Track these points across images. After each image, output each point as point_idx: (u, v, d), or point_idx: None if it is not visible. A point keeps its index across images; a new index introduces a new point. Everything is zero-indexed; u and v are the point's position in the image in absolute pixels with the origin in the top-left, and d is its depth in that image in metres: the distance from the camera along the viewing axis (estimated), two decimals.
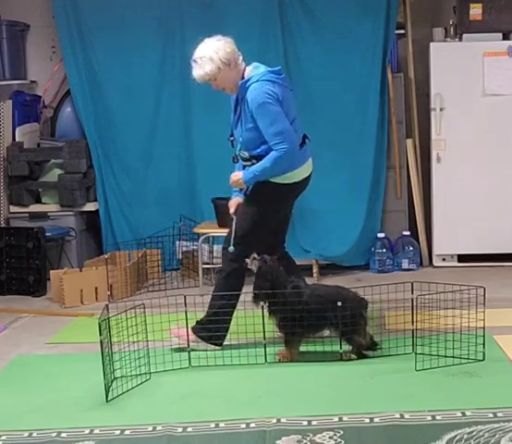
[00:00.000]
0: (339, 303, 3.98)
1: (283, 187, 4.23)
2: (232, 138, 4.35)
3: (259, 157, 4.18)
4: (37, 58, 6.71)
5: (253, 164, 4.21)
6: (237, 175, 4.21)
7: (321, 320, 4.04)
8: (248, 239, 4.24)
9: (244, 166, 4.30)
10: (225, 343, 4.30)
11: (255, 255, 4.14)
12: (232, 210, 4.38)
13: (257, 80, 4.12)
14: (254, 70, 4.20)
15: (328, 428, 3.20)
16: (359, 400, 3.53)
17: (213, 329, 4.23)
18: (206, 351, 4.20)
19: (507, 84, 5.94)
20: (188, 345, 4.12)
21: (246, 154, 4.25)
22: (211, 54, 4.12)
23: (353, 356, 4.06)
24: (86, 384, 3.83)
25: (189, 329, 4.19)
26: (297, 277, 4.40)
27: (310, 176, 4.37)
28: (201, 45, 4.20)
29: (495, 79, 5.95)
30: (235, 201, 4.39)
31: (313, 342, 4.21)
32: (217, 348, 4.25)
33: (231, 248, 4.22)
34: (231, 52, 4.16)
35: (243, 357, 4.09)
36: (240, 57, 4.23)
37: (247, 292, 4.19)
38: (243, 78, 4.18)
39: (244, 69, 4.21)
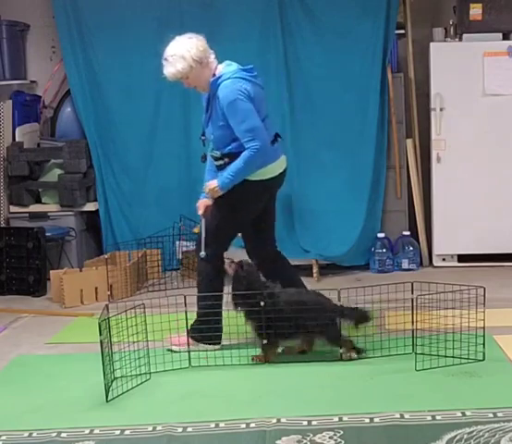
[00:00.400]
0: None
1: (254, 184, 4.20)
2: (203, 137, 4.34)
3: (230, 155, 4.16)
4: (37, 58, 6.71)
5: (225, 162, 4.19)
6: (212, 183, 4.18)
7: (293, 327, 4.03)
8: (219, 239, 4.22)
9: (217, 167, 4.28)
10: (224, 343, 4.30)
11: (232, 259, 4.13)
12: (200, 212, 4.37)
13: (228, 78, 4.11)
14: (226, 68, 4.19)
15: (328, 428, 3.20)
16: (359, 400, 3.53)
17: (205, 330, 4.21)
18: (206, 351, 4.19)
19: (507, 84, 5.94)
20: (188, 347, 4.13)
21: (217, 154, 4.23)
22: (182, 52, 4.10)
23: (354, 356, 4.05)
24: (86, 384, 3.83)
25: (190, 338, 4.20)
26: (292, 278, 4.42)
27: (283, 173, 4.35)
28: (172, 43, 4.18)
29: (495, 79, 5.95)
30: (202, 202, 4.37)
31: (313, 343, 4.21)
32: (217, 347, 4.25)
33: (202, 253, 4.22)
34: (203, 50, 4.15)
35: (243, 357, 4.09)
36: (212, 56, 4.21)
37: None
38: (214, 76, 4.17)
39: (216, 68, 4.20)
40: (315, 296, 4.14)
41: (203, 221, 4.31)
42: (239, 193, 4.19)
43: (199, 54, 4.12)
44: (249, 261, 4.23)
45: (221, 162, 4.23)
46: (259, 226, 4.43)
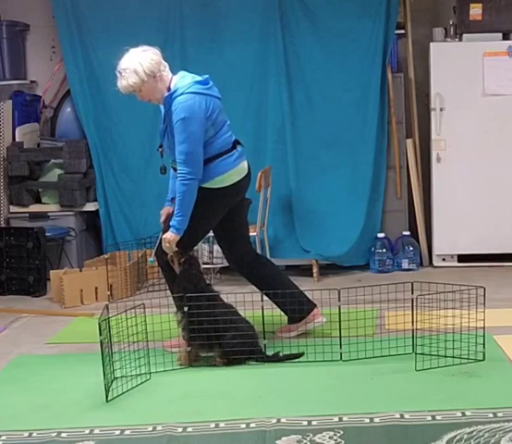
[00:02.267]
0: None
1: (213, 191, 4.18)
2: (161, 149, 4.31)
3: None
4: (37, 58, 6.71)
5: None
6: (166, 237, 4.11)
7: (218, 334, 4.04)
8: (178, 244, 4.15)
9: (177, 177, 4.24)
10: None
11: (176, 255, 4.11)
12: (162, 219, 4.37)
13: (182, 93, 4.06)
14: (180, 81, 4.13)
15: (328, 428, 3.20)
16: (359, 400, 3.53)
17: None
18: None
19: (507, 84, 5.94)
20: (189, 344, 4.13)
21: (177, 165, 4.20)
22: (135, 65, 4.08)
23: (219, 362, 4.06)
24: (86, 384, 3.83)
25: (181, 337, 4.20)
26: (278, 281, 4.40)
27: (244, 180, 4.30)
28: (125, 56, 4.15)
29: (495, 79, 5.95)
30: (165, 210, 4.39)
31: (313, 343, 4.21)
32: None
33: (150, 259, 4.20)
34: (156, 63, 4.10)
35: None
36: (166, 68, 4.17)
37: (242, 292, 4.20)
38: (169, 89, 4.12)
39: (170, 80, 4.16)
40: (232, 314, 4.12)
41: (163, 228, 4.30)
42: (200, 201, 4.16)
43: (151, 67, 4.08)
44: (196, 259, 4.18)
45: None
46: (231, 233, 4.42)
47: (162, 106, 4.22)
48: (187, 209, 4.08)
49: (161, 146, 4.32)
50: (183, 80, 4.14)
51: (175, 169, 4.22)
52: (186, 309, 4.00)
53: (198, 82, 4.12)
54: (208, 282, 4.25)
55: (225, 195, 4.25)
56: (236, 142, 4.28)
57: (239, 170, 4.27)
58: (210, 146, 4.13)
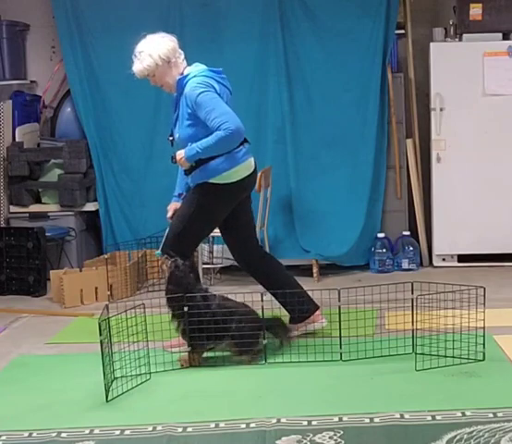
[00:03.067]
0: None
1: (220, 186, 4.20)
2: (171, 137, 4.33)
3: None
4: (37, 58, 6.71)
5: (192, 167, 4.19)
6: (180, 154, 4.17)
7: (220, 331, 4.02)
8: (185, 240, 4.20)
9: (184, 172, 4.28)
10: None
11: (169, 257, 4.10)
12: (169, 214, 4.39)
13: (194, 76, 4.12)
14: (194, 68, 4.21)
15: (328, 428, 3.20)
16: (359, 400, 3.53)
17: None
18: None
19: (507, 84, 5.95)
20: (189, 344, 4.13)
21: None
22: (150, 49, 4.15)
23: (244, 359, 4.07)
24: (86, 384, 3.83)
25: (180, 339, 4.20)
26: (282, 280, 4.40)
27: (250, 176, 4.32)
28: (142, 41, 4.22)
29: (495, 79, 5.95)
30: (173, 205, 4.42)
31: (313, 343, 4.21)
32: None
33: (157, 252, 4.22)
34: (171, 49, 4.18)
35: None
36: (182, 56, 4.24)
37: (242, 292, 4.20)
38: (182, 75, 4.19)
39: (184, 69, 4.22)
40: (239, 305, 4.12)
41: (170, 223, 4.34)
42: (206, 196, 4.20)
43: (166, 53, 4.15)
44: (183, 262, 4.15)
45: (188, 166, 4.22)
46: (237, 230, 4.43)
47: (173, 97, 4.25)
48: (207, 152, 4.08)
49: (171, 135, 4.32)
50: (197, 68, 4.21)
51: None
52: (179, 311, 3.99)
53: (212, 70, 4.19)
54: (201, 286, 4.21)
55: (232, 191, 4.26)
56: (243, 139, 4.29)
57: (247, 166, 4.28)
58: None
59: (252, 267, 4.48)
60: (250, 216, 4.52)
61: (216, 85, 4.12)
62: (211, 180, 4.18)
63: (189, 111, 4.11)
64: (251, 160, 4.33)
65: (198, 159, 4.14)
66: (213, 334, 4.00)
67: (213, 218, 4.30)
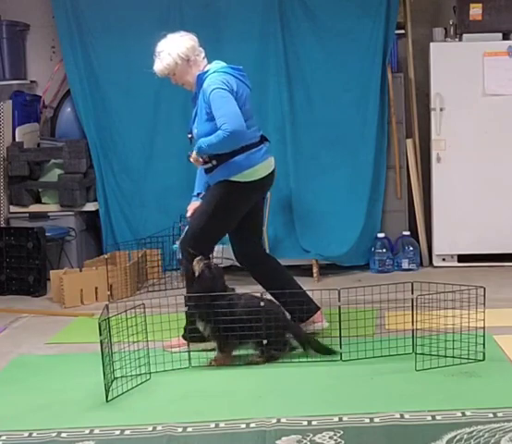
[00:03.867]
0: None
1: (241, 184, 4.21)
2: (190, 135, 4.35)
3: (218, 156, 4.17)
4: (37, 58, 6.71)
5: (213, 165, 4.20)
6: (193, 153, 4.21)
7: (246, 330, 4.03)
8: (204, 239, 4.22)
9: (205, 170, 4.28)
10: None
11: (201, 258, 4.11)
12: (189, 214, 4.40)
13: (214, 71, 4.15)
14: (214, 65, 4.24)
15: (328, 428, 3.20)
16: (359, 400, 3.53)
17: (197, 330, 4.20)
18: (206, 350, 4.20)
19: (507, 84, 5.94)
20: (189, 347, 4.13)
21: (205, 157, 4.22)
22: (170, 49, 4.20)
23: (259, 360, 4.06)
24: (86, 384, 3.82)
25: (181, 339, 4.20)
26: (283, 281, 4.39)
27: (270, 175, 4.34)
28: (162, 40, 4.27)
29: (495, 79, 5.95)
30: (193, 205, 4.43)
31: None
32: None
33: (174, 246, 4.23)
34: (191, 48, 4.21)
35: (243, 357, 4.09)
36: (202, 54, 4.27)
37: (242, 292, 4.20)
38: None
39: (205, 67, 4.24)
40: (269, 305, 4.13)
41: (190, 221, 4.36)
42: (226, 195, 4.21)
43: (186, 51, 4.19)
44: (216, 264, 4.18)
45: (209, 164, 4.24)
46: (246, 229, 4.43)
47: (193, 95, 4.28)
48: (211, 149, 4.11)
49: (190, 132, 4.34)
50: (217, 65, 4.23)
51: (204, 162, 4.24)
52: (205, 312, 4.00)
53: (232, 67, 4.22)
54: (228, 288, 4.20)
55: (252, 189, 4.27)
56: (263, 138, 4.32)
57: (267, 165, 4.31)
58: None
59: (253, 267, 4.48)
60: (262, 216, 4.54)
61: (234, 82, 4.14)
62: (232, 178, 4.20)
63: (206, 107, 4.13)
64: (271, 159, 4.36)
65: (218, 157, 4.16)
66: (239, 333, 4.00)
67: (232, 216, 4.30)
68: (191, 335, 4.13)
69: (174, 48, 4.19)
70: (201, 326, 4.05)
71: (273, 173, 4.37)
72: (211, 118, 4.13)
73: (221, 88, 4.08)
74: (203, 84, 4.15)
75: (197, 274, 4.09)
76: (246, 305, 4.04)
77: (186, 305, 4.09)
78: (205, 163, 4.24)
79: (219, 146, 4.09)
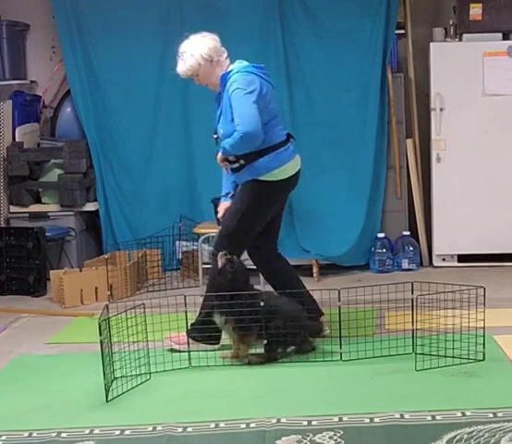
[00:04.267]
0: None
1: (271, 184, 4.22)
2: (216, 135, 4.36)
3: (245, 156, 4.17)
4: (37, 58, 6.71)
5: (241, 165, 4.21)
6: (219, 155, 4.23)
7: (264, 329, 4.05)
8: (237, 240, 4.23)
9: (232, 170, 4.29)
10: (224, 343, 4.29)
11: (225, 253, 4.12)
12: (220, 214, 4.42)
13: (238, 71, 4.16)
14: (237, 65, 4.25)
15: (328, 428, 3.20)
16: (359, 400, 3.53)
17: (206, 330, 4.21)
18: (206, 350, 4.20)
19: (507, 84, 5.94)
20: (189, 347, 4.13)
21: (232, 156, 4.24)
22: (193, 50, 4.20)
23: (261, 360, 4.07)
24: (86, 384, 3.82)
25: (185, 337, 4.20)
26: (290, 280, 4.41)
27: (297, 174, 4.37)
28: (185, 41, 4.27)
29: (495, 79, 5.95)
30: (223, 205, 4.43)
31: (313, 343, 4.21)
32: (216, 347, 4.25)
33: (210, 248, 4.23)
34: (213, 48, 4.22)
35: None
36: (224, 55, 4.27)
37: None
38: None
39: (228, 66, 4.25)
40: (288, 303, 4.14)
41: (222, 222, 4.37)
42: (256, 194, 4.23)
43: (208, 52, 4.19)
44: (240, 260, 4.19)
45: (237, 164, 4.24)
46: (267, 226, 4.43)
47: (216, 95, 4.29)
48: (233, 149, 4.12)
49: (216, 133, 4.35)
50: (240, 64, 4.24)
51: (229, 161, 4.25)
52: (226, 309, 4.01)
53: (255, 66, 4.23)
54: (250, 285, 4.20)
55: (281, 188, 4.30)
56: (289, 136, 4.33)
57: (294, 164, 4.33)
58: (265, 135, 4.14)
59: (264, 264, 4.49)
60: (282, 215, 4.55)
61: (258, 81, 4.15)
62: (260, 178, 4.21)
63: (230, 106, 4.14)
64: (298, 158, 4.38)
65: (246, 157, 4.17)
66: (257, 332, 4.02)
67: (263, 215, 4.31)
68: (196, 334, 4.16)
69: (196, 49, 4.19)
70: (219, 319, 4.07)
71: (299, 171, 4.39)
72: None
73: (241, 88, 4.08)
74: (227, 84, 4.16)
75: (219, 268, 4.12)
76: (267, 303, 4.06)
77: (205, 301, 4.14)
78: (233, 162, 4.25)
79: (237, 147, 4.11)
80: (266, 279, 4.55)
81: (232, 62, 4.28)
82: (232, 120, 4.13)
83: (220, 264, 4.12)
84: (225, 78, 4.18)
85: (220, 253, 4.13)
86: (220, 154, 4.22)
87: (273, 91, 4.28)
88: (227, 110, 4.16)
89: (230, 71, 4.19)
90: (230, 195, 4.43)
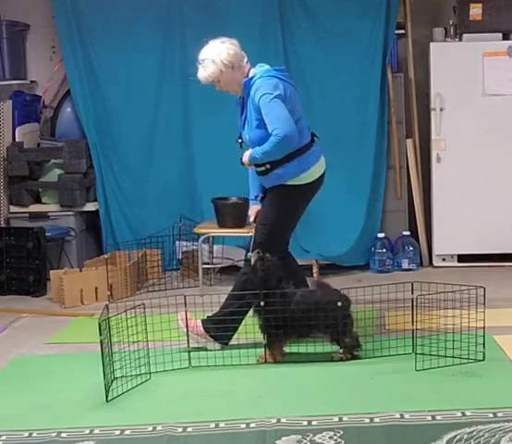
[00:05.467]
0: (339, 304, 4.00)
1: (299, 188, 4.24)
2: (240, 140, 4.36)
3: (271, 161, 4.18)
4: (37, 58, 6.70)
5: (267, 169, 4.21)
6: (245, 155, 4.23)
7: (306, 327, 4.04)
8: (269, 244, 4.24)
9: (257, 173, 4.30)
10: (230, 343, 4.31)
11: (258, 251, 4.14)
12: (252, 219, 4.44)
13: (260, 77, 4.16)
14: (258, 69, 4.25)
15: (328, 428, 3.20)
16: (359, 400, 3.53)
17: (223, 329, 4.23)
18: (206, 350, 4.20)
19: (507, 84, 5.95)
20: (188, 339, 4.13)
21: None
22: (213, 56, 4.18)
23: (344, 357, 4.05)
24: (86, 384, 3.83)
25: (201, 327, 4.21)
26: (297, 279, 4.40)
27: (322, 175, 4.38)
28: (205, 47, 4.26)
29: (495, 79, 5.95)
30: (253, 209, 4.45)
31: (313, 343, 4.21)
32: (218, 347, 4.26)
33: (249, 255, 4.24)
34: (234, 54, 4.21)
35: (243, 357, 4.09)
36: (245, 59, 4.27)
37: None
38: (247, 77, 4.22)
39: (249, 70, 4.25)
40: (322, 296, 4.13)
41: (254, 227, 4.39)
42: (285, 199, 4.26)
43: (229, 58, 4.18)
44: (271, 257, 4.18)
45: (263, 168, 4.24)
46: None
47: (237, 99, 4.30)
48: (266, 158, 4.13)
49: (240, 137, 4.35)
50: (261, 69, 4.24)
51: (256, 165, 4.26)
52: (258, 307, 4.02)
53: (276, 69, 4.23)
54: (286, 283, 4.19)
55: (308, 190, 4.31)
56: (313, 136, 4.34)
57: (320, 166, 4.34)
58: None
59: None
60: (302, 214, 4.54)
61: (281, 85, 4.15)
62: (288, 182, 4.22)
63: (256, 113, 4.14)
64: (322, 159, 4.38)
65: (272, 162, 4.18)
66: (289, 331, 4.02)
67: (294, 218, 4.34)
68: (210, 326, 4.19)
69: (217, 55, 4.17)
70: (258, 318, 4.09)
71: (324, 172, 4.40)
72: (261, 125, 4.13)
73: (269, 93, 4.08)
74: (251, 91, 4.15)
75: (251, 266, 4.13)
76: (301, 301, 4.05)
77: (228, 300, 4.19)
78: (259, 166, 4.25)
79: (274, 153, 4.11)
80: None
81: (252, 65, 4.28)
82: (257, 127, 4.14)
83: (253, 262, 4.14)
84: (248, 84, 4.17)
85: (254, 253, 4.15)
86: (247, 160, 4.20)
87: (295, 92, 4.29)
88: (252, 117, 4.16)
89: (253, 77, 4.17)
90: (259, 198, 4.43)
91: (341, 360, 4.05)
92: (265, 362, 4.06)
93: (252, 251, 4.24)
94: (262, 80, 4.13)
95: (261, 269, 4.08)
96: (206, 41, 4.28)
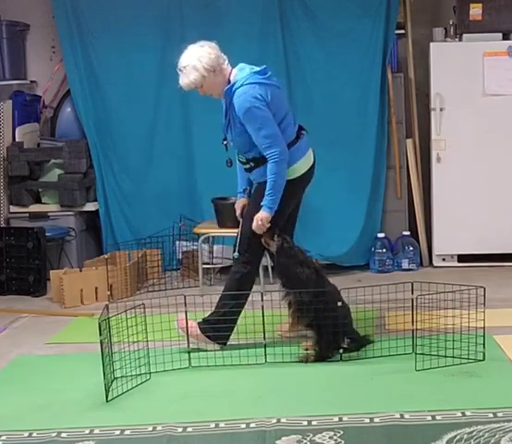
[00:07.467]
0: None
1: (286, 184, 4.21)
2: (225, 142, 4.36)
3: (255, 160, 4.21)
4: (37, 58, 6.70)
5: (251, 166, 4.24)
6: (260, 215, 4.16)
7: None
8: (256, 240, 4.23)
9: (245, 170, 4.32)
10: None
11: (278, 233, 4.14)
12: (238, 212, 4.42)
13: (241, 85, 4.12)
14: (239, 73, 4.20)
15: (328, 428, 3.20)
16: (359, 400, 3.53)
17: (220, 329, 4.23)
18: (206, 351, 4.20)
19: (507, 84, 5.94)
20: (188, 340, 4.13)
21: (243, 158, 4.29)
22: (194, 62, 4.15)
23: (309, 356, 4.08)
24: (86, 384, 3.83)
25: (197, 329, 4.20)
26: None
27: (311, 168, 4.37)
28: (184, 53, 4.23)
29: (495, 79, 5.95)
30: (240, 202, 4.45)
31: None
32: (217, 347, 4.26)
33: (235, 254, 4.23)
34: (215, 58, 4.17)
35: (243, 357, 4.09)
36: (226, 62, 4.24)
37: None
38: (229, 82, 4.19)
39: (230, 73, 4.22)
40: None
41: (241, 223, 4.36)
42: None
43: (210, 62, 4.15)
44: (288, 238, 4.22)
45: (248, 166, 4.29)
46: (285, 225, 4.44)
47: (223, 101, 4.27)
48: (279, 189, 4.14)
49: (225, 139, 4.35)
50: (242, 73, 4.21)
51: (241, 162, 4.29)
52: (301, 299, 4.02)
53: (256, 73, 4.20)
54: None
55: (295, 185, 4.29)
56: (299, 131, 4.34)
57: (306, 160, 4.33)
58: None
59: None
60: (298, 210, 4.56)
61: (264, 90, 4.12)
62: None
63: (239, 120, 4.14)
64: (310, 152, 4.37)
65: (255, 160, 4.20)
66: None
67: (281, 215, 4.30)
68: (207, 326, 4.20)
69: (198, 61, 4.14)
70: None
71: (313, 166, 4.39)
72: (245, 130, 4.14)
73: (255, 106, 4.07)
74: (233, 99, 4.13)
75: (275, 248, 4.12)
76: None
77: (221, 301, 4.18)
78: (244, 163, 4.28)
79: (281, 172, 4.11)
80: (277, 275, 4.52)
81: (232, 65, 4.27)
82: (242, 132, 4.14)
83: (275, 247, 4.12)
84: (229, 92, 4.15)
85: (274, 236, 4.13)
86: (267, 214, 4.14)
87: (280, 91, 4.28)
88: (236, 123, 4.17)
89: (234, 84, 4.15)
90: (247, 191, 4.44)
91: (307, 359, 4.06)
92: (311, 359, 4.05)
93: (238, 247, 4.23)
94: (243, 90, 4.10)
95: (290, 247, 4.09)
96: (185, 46, 4.25)
